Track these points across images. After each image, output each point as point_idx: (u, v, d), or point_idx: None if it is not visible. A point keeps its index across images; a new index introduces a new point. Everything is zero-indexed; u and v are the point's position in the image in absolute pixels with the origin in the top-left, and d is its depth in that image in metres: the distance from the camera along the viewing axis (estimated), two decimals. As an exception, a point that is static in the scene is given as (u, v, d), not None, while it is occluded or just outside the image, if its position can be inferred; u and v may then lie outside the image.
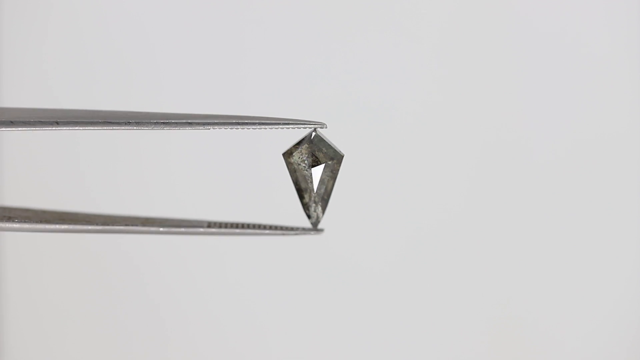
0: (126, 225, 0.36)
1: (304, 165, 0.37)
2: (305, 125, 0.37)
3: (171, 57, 0.80)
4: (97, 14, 0.80)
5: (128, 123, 0.34)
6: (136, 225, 0.36)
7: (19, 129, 0.33)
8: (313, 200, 0.36)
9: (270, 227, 0.35)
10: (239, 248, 0.81)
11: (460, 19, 0.79)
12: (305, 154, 0.37)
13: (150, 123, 0.34)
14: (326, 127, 0.38)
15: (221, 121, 0.36)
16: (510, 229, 0.80)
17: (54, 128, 0.33)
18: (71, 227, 0.36)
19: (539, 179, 0.80)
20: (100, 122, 0.34)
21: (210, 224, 0.37)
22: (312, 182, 0.36)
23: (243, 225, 0.35)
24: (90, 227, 0.36)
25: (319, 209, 0.36)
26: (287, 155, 0.37)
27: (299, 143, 0.37)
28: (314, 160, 0.37)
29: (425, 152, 0.80)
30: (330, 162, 0.37)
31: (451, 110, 0.79)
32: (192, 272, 0.82)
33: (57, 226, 0.36)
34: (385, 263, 0.81)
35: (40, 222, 0.36)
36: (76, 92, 0.79)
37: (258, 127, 0.37)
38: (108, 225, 0.36)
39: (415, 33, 0.79)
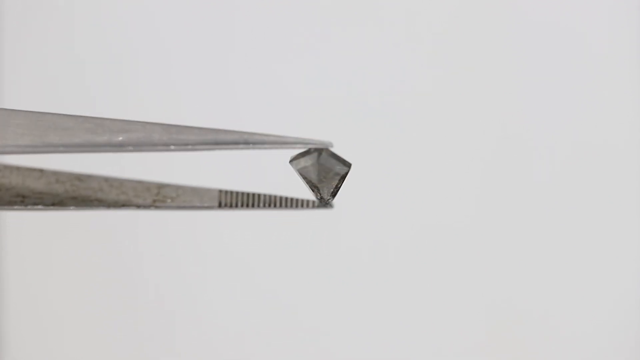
0: (137, 207, 0.36)
1: (309, 170, 0.37)
2: (311, 146, 0.37)
3: (171, 60, 0.80)
4: (96, 16, 0.80)
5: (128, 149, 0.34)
6: (147, 201, 0.36)
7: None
8: (322, 189, 0.36)
9: (281, 201, 0.35)
10: (247, 237, 0.81)
11: (462, 20, 0.79)
12: (311, 165, 0.37)
13: (151, 146, 0.34)
14: (332, 147, 0.38)
15: (227, 143, 0.36)
16: (514, 226, 0.81)
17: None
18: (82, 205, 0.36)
19: (542, 179, 0.80)
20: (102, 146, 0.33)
21: (221, 191, 0.37)
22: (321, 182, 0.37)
23: (254, 196, 0.35)
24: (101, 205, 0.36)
25: (329, 193, 0.36)
26: (295, 163, 0.37)
27: (306, 152, 0.38)
28: (320, 173, 0.37)
29: (429, 152, 0.80)
30: (337, 170, 0.37)
31: (454, 110, 0.80)
32: (195, 268, 0.82)
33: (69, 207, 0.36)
34: (386, 262, 0.81)
35: (53, 204, 0.36)
36: (73, 93, 0.80)
37: (266, 147, 0.37)
38: (120, 204, 0.36)
39: (417, 33, 0.80)
